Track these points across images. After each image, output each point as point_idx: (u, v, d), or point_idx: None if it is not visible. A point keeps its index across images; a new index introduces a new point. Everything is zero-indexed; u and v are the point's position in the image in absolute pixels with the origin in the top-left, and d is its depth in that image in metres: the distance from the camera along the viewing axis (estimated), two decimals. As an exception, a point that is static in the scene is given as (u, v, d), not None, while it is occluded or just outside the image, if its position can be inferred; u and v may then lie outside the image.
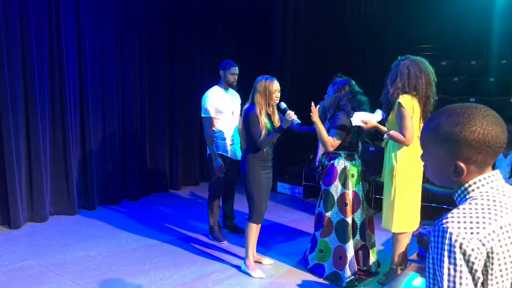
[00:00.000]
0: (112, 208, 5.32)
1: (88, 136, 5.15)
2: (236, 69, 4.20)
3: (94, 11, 5.11)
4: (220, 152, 4.17)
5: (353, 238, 3.44)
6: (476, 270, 1.00)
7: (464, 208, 1.07)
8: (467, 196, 1.11)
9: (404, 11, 8.03)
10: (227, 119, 4.20)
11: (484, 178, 1.11)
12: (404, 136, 3.07)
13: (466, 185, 1.12)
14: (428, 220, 4.88)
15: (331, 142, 3.35)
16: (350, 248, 3.39)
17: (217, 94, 4.19)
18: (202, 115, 4.18)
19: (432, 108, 3.23)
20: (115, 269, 3.65)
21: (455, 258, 1.01)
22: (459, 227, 1.02)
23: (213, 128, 4.17)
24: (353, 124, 3.21)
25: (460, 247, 1.00)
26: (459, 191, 1.14)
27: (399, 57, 3.21)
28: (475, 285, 1.01)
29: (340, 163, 3.42)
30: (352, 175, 3.42)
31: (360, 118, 3.19)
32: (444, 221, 1.05)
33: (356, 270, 3.43)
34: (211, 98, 4.15)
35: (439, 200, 4.99)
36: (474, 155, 1.09)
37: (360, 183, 3.47)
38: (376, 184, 4.91)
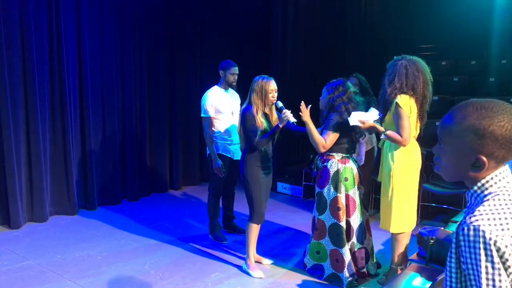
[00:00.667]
0: (112, 208, 5.32)
1: (88, 136, 5.15)
2: (236, 69, 4.20)
3: (94, 11, 5.11)
4: (220, 152, 4.17)
5: (348, 241, 3.41)
6: (509, 266, 0.99)
7: (489, 205, 1.05)
8: (486, 192, 1.10)
9: (404, 11, 8.02)
10: (227, 119, 4.20)
11: (500, 173, 1.10)
12: (401, 136, 3.07)
13: (483, 180, 1.10)
14: (428, 220, 4.89)
15: (323, 143, 3.29)
16: (346, 253, 3.37)
17: (217, 94, 4.19)
18: (202, 115, 4.18)
19: (428, 108, 3.23)
20: (115, 269, 3.65)
21: (492, 256, 0.99)
22: (490, 224, 1.00)
23: (213, 128, 4.17)
24: (351, 124, 3.18)
25: (495, 244, 0.98)
26: (475, 187, 1.12)
27: (395, 57, 3.20)
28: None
29: (333, 166, 3.36)
30: (346, 179, 3.35)
31: (357, 118, 3.17)
32: (473, 219, 1.03)
33: (355, 271, 3.41)
34: (211, 98, 4.15)
35: (439, 200, 4.99)
36: (498, 150, 1.07)
37: (355, 186, 3.40)
38: (376, 185, 4.91)
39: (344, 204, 3.37)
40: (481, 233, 1.00)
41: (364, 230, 3.50)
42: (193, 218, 5.02)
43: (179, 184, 6.31)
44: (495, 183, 1.09)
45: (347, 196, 3.37)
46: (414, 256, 3.19)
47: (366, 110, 3.37)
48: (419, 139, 3.37)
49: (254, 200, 3.49)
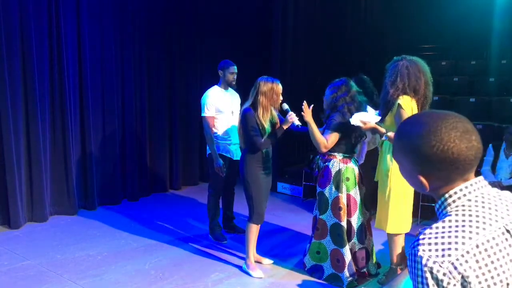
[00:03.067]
0: (112, 208, 5.32)
1: (88, 136, 5.15)
2: (234, 68, 4.20)
3: (94, 11, 5.11)
4: (220, 152, 4.17)
5: (349, 241, 3.42)
6: None
7: (437, 227, 0.98)
8: (444, 211, 1.03)
9: (404, 11, 8.02)
10: (227, 118, 4.20)
11: (461, 190, 1.01)
12: None
13: (443, 198, 1.03)
14: (428, 220, 4.89)
15: (324, 143, 3.30)
16: (347, 252, 3.37)
17: (217, 93, 4.20)
18: (202, 114, 4.18)
19: (429, 108, 3.22)
20: (115, 269, 3.65)
21: (427, 284, 0.93)
22: (430, 249, 0.94)
23: (213, 128, 4.17)
24: (352, 123, 3.18)
25: (431, 272, 0.92)
26: (437, 205, 1.06)
27: (394, 57, 3.19)
28: None
29: (335, 166, 3.37)
30: (347, 179, 3.36)
31: (359, 118, 3.17)
32: (416, 243, 0.97)
33: (355, 271, 3.41)
34: (211, 97, 4.16)
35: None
36: (435, 171, 1.00)
37: (356, 186, 3.40)
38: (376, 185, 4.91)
39: (346, 204, 3.37)
40: (418, 259, 0.94)
41: (365, 230, 3.50)
42: (193, 218, 5.02)
43: (179, 184, 6.31)
44: (454, 201, 1.01)
45: (348, 196, 3.38)
46: (414, 256, 3.19)
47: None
48: None
49: (254, 200, 3.49)
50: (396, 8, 8.07)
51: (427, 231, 0.98)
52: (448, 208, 1.01)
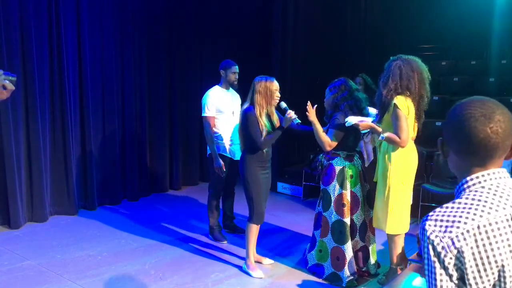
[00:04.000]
0: (112, 208, 5.32)
1: (88, 136, 5.15)
2: (236, 68, 4.20)
3: (94, 11, 5.11)
4: (220, 152, 4.17)
5: (353, 239, 3.44)
6: (446, 268, 1.03)
7: (446, 207, 1.08)
8: (460, 195, 1.12)
9: (404, 11, 8.02)
10: (228, 119, 4.20)
11: (477, 177, 1.10)
12: (399, 137, 3.06)
13: (461, 182, 1.13)
14: (428, 220, 4.88)
15: (329, 142, 3.35)
16: (348, 249, 3.39)
17: (218, 93, 4.20)
18: (203, 114, 4.18)
19: (427, 107, 3.22)
20: (115, 269, 3.65)
21: (428, 254, 1.05)
22: (435, 225, 1.05)
23: (213, 128, 4.17)
24: (347, 125, 3.21)
25: (432, 244, 1.04)
26: (455, 190, 1.15)
27: (391, 57, 3.20)
28: (455, 283, 1.03)
29: (339, 163, 3.42)
30: (351, 176, 3.41)
31: (355, 118, 3.20)
32: (426, 217, 1.08)
33: (356, 270, 3.43)
34: (212, 97, 4.16)
35: (439, 200, 4.98)
36: (470, 155, 1.10)
37: (359, 184, 3.46)
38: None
39: (349, 201, 3.41)
40: (424, 232, 1.07)
41: (366, 228, 3.53)
42: (193, 218, 5.02)
43: (179, 184, 6.31)
44: (468, 186, 1.10)
45: (352, 193, 3.42)
46: (414, 256, 3.19)
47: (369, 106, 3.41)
48: (419, 139, 3.37)
49: (253, 200, 3.49)
50: (396, 8, 8.07)
51: (438, 209, 1.09)
52: (463, 193, 1.11)
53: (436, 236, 1.04)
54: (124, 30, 5.47)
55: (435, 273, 1.03)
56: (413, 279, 2.59)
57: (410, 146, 3.20)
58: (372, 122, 3.24)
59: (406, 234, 3.38)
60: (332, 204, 3.42)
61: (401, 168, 3.16)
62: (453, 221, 1.04)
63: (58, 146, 4.91)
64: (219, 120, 4.18)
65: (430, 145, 5.23)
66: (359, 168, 3.49)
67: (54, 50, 4.74)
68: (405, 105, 3.06)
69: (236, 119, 4.21)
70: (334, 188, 3.41)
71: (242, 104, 4.00)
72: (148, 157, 5.95)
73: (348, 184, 3.40)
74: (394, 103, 3.05)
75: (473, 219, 1.03)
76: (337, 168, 3.41)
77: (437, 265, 1.03)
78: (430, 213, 1.08)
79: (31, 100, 4.58)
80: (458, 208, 1.06)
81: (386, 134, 3.10)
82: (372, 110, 3.40)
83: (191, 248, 4.13)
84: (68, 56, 4.87)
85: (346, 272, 3.37)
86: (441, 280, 1.03)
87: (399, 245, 3.30)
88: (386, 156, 3.19)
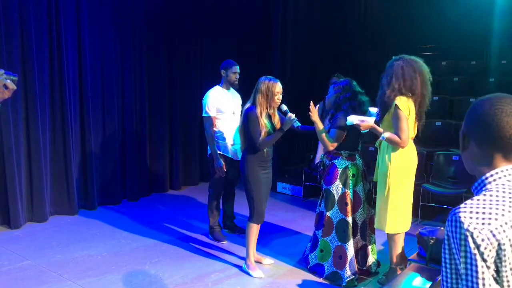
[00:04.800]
0: (112, 208, 5.32)
1: (88, 136, 5.15)
2: (237, 68, 4.21)
3: (94, 11, 5.11)
4: (221, 152, 4.17)
5: (353, 237, 3.46)
6: (486, 260, 1.01)
7: (478, 199, 1.07)
8: (483, 188, 1.11)
9: (404, 11, 8.02)
10: (228, 119, 4.20)
11: (502, 171, 1.11)
12: (400, 138, 3.07)
13: (483, 177, 1.12)
14: (428, 220, 4.89)
15: (331, 141, 3.39)
16: (350, 248, 3.40)
17: (218, 94, 4.20)
18: (203, 114, 4.18)
19: (428, 107, 3.22)
20: (115, 269, 3.65)
21: (468, 246, 1.02)
22: (471, 217, 1.03)
23: (214, 128, 4.17)
24: (348, 124, 3.22)
25: (472, 236, 1.01)
26: (476, 183, 1.15)
27: (393, 57, 3.20)
28: (491, 273, 1.02)
29: (341, 163, 3.45)
30: (353, 175, 3.44)
31: (356, 118, 3.20)
32: (457, 210, 1.06)
33: (356, 270, 3.43)
34: (212, 97, 4.16)
35: (439, 200, 4.99)
36: (494, 148, 1.11)
37: (361, 183, 3.49)
38: (376, 184, 4.91)
39: (352, 200, 3.43)
40: (459, 224, 1.03)
41: (366, 227, 3.54)
42: (193, 218, 5.02)
43: (179, 184, 6.31)
44: (494, 180, 1.10)
45: (354, 192, 3.44)
46: (414, 256, 3.19)
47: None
48: (419, 139, 3.38)
49: (254, 200, 3.49)
50: (396, 8, 8.07)
51: (469, 201, 1.08)
52: (488, 186, 1.11)
53: (475, 228, 1.02)
54: (124, 30, 5.47)
55: (476, 265, 1.01)
56: (413, 279, 2.59)
57: (410, 146, 3.21)
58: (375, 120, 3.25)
59: (406, 234, 3.38)
60: (336, 203, 3.44)
61: (401, 168, 3.16)
62: (490, 213, 1.03)
63: (58, 146, 4.91)
64: (220, 120, 4.18)
65: (430, 145, 5.24)
66: (360, 167, 3.51)
67: (54, 50, 4.73)
68: (406, 106, 3.07)
69: (236, 119, 4.22)
70: (337, 188, 3.44)
71: (243, 104, 4.00)
72: (148, 157, 5.95)
73: (350, 183, 3.43)
74: (395, 104, 3.06)
75: (509, 211, 1.04)
76: (340, 168, 3.44)
77: (478, 257, 1.01)
78: (462, 205, 1.07)
79: (31, 100, 4.58)
80: (491, 200, 1.06)
81: (387, 135, 3.10)
82: (373, 109, 3.41)
83: (191, 248, 4.13)
84: (68, 56, 4.87)
85: (347, 271, 3.38)
86: (483, 273, 1.01)
87: (399, 244, 3.31)
88: (386, 156, 3.20)
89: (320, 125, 3.38)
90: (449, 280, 1.08)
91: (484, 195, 1.08)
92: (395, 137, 3.08)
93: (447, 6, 7.41)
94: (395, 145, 3.13)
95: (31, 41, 4.49)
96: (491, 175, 1.11)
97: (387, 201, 3.20)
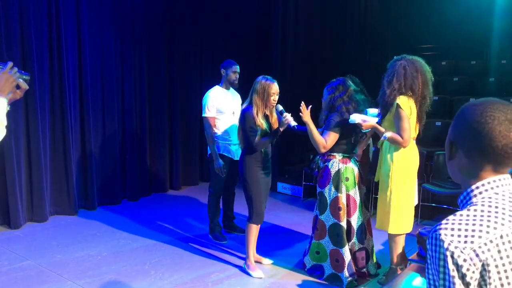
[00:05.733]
0: (112, 208, 5.32)
1: (88, 136, 5.15)
2: (237, 68, 4.21)
3: (94, 11, 5.11)
4: (221, 152, 4.17)
5: (349, 241, 3.41)
6: (468, 283, 0.93)
7: (461, 215, 0.99)
8: (469, 202, 1.03)
9: (404, 11, 8.02)
10: (228, 119, 4.20)
11: (489, 183, 1.02)
12: (401, 137, 3.06)
13: (469, 189, 1.04)
14: (428, 220, 4.88)
15: (323, 143, 3.30)
16: (346, 252, 3.37)
17: (218, 94, 4.20)
18: (203, 115, 4.18)
19: (429, 108, 3.22)
20: (115, 269, 3.65)
21: (447, 267, 0.94)
22: (452, 235, 0.95)
23: (214, 128, 4.17)
24: (350, 122, 3.18)
25: (452, 257, 0.93)
26: (461, 196, 1.07)
27: (395, 57, 3.19)
28: None
29: (334, 166, 3.37)
30: (347, 179, 3.36)
31: (359, 117, 3.18)
32: (438, 227, 0.98)
33: (355, 271, 3.41)
34: (212, 98, 4.16)
35: (439, 200, 4.99)
36: (482, 159, 1.03)
37: (356, 186, 3.40)
38: (375, 184, 4.91)
39: (345, 204, 3.37)
40: (439, 242, 0.96)
41: (365, 230, 3.50)
42: (193, 218, 5.02)
43: (179, 184, 6.31)
44: (480, 192, 1.02)
45: (348, 196, 3.37)
46: (414, 256, 3.19)
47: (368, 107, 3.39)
48: (419, 139, 3.37)
49: (253, 200, 3.49)
50: (396, 8, 8.07)
51: (451, 217, 0.99)
52: (474, 199, 1.02)
53: (456, 247, 0.93)
54: (124, 30, 5.47)
55: (454, 284, 0.93)
56: (413, 279, 2.59)
57: (412, 146, 3.21)
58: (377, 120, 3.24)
59: (406, 234, 3.38)
60: (328, 207, 3.39)
61: (403, 168, 3.16)
62: (473, 230, 0.94)
63: (58, 146, 4.91)
64: (220, 120, 4.18)
65: (430, 145, 5.23)
66: (355, 170, 3.42)
67: (54, 50, 4.73)
68: (407, 105, 3.06)
69: (236, 119, 4.21)
70: (330, 191, 3.38)
71: (242, 104, 4.00)
72: (148, 157, 5.95)
73: (343, 187, 3.35)
74: (397, 103, 3.05)
75: (495, 228, 0.95)
76: (333, 171, 3.37)
77: (457, 280, 0.93)
78: (443, 221, 0.98)
79: (31, 100, 4.58)
80: (475, 216, 0.97)
81: (389, 134, 3.10)
82: (373, 111, 3.38)
83: (191, 248, 4.13)
84: (68, 56, 4.87)
85: (346, 273, 3.36)
86: None
87: (399, 245, 3.30)
88: (388, 155, 3.19)
89: (312, 126, 3.28)
90: None
91: (468, 210, 0.99)
92: (397, 137, 3.07)
93: (447, 6, 7.40)
94: (397, 145, 3.13)
95: (31, 41, 4.49)
96: (477, 187, 1.02)
97: (389, 202, 3.19)
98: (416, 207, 4.61)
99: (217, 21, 6.52)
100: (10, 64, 1.75)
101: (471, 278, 0.92)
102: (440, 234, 0.96)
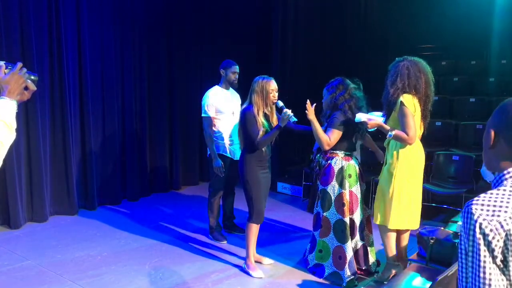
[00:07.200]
0: (112, 208, 5.32)
1: (88, 136, 5.15)
2: (236, 68, 4.21)
3: (94, 11, 5.11)
4: (220, 152, 4.17)
5: (352, 238, 3.44)
6: (493, 249, 1.06)
7: (491, 193, 1.13)
8: (500, 184, 1.17)
9: (404, 11, 8.02)
10: (227, 119, 4.20)
11: None
12: (407, 134, 3.08)
13: (501, 174, 1.17)
14: (428, 220, 4.88)
15: (327, 141, 3.35)
16: (349, 249, 3.39)
17: (217, 93, 4.20)
18: (203, 115, 4.18)
19: (431, 108, 3.24)
20: (115, 269, 3.65)
21: (475, 236, 1.07)
22: (482, 209, 1.09)
23: (213, 128, 4.18)
24: (356, 121, 3.21)
25: (480, 227, 1.07)
26: (494, 180, 1.20)
27: (396, 58, 3.24)
28: (497, 264, 1.07)
29: (337, 163, 3.43)
30: (349, 175, 3.42)
31: (365, 116, 3.20)
32: (470, 202, 1.12)
33: (356, 270, 3.43)
34: (211, 97, 4.16)
35: (439, 200, 4.99)
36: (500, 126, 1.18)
37: (358, 183, 3.46)
38: (376, 184, 4.91)
39: (348, 200, 3.41)
40: (470, 215, 1.09)
41: (364, 227, 3.54)
42: (193, 218, 5.02)
43: (179, 184, 6.31)
44: (510, 176, 1.15)
45: (350, 193, 3.42)
46: (414, 256, 3.20)
47: (367, 105, 3.42)
48: (422, 138, 3.38)
49: (253, 200, 3.49)
50: (396, 8, 8.07)
51: (482, 194, 1.14)
52: (505, 182, 1.16)
53: (484, 219, 1.07)
54: (124, 30, 5.47)
55: (479, 254, 1.07)
56: (413, 279, 2.59)
57: (417, 144, 3.23)
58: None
59: (404, 233, 3.38)
60: (333, 204, 3.42)
61: (408, 166, 3.17)
62: (500, 206, 1.09)
63: (58, 146, 4.91)
64: (219, 120, 4.18)
65: (430, 145, 5.23)
66: (357, 168, 3.49)
67: (54, 50, 4.73)
68: (411, 103, 3.09)
69: (236, 119, 4.21)
70: (333, 188, 3.42)
71: (242, 104, 4.00)
72: (148, 157, 5.95)
73: (347, 184, 3.41)
74: (401, 101, 3.08)
75: None
76: (336, 168, 3.42)
77: (482, 247, 1.06)
78: (475, 198, 1.12)
79: (31, 100, 4.56)
80: (503, 195, 1.11)
81: (394, 132, 3.12)
82: (377, 114, 3.39)
83: (191, 248, 4.13)
84: (68, 56, 4.87)
85: (347, 271, 3.37)
86: (484, 262, 1.06)
87: (391, 239, 3.33)
88: (395, 153, 3.21)
89: (316, 124, 3.33)
90: (463, 270, 1.12)
91: (498, 189, 1.14)
92: (403, 134, 3.09)
93: (447, 6, 7.40)
94: (402, 143, 3.15)
95: (31, 41, 4.49)
96: (508, 172, 1.16)
97: (391, 198, 3.20)
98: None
99: (217, 21, 6.52)
100: (20, 64, 1.73)
101: (496, 245, 1.06)
102: (471, 208, 1.10)
